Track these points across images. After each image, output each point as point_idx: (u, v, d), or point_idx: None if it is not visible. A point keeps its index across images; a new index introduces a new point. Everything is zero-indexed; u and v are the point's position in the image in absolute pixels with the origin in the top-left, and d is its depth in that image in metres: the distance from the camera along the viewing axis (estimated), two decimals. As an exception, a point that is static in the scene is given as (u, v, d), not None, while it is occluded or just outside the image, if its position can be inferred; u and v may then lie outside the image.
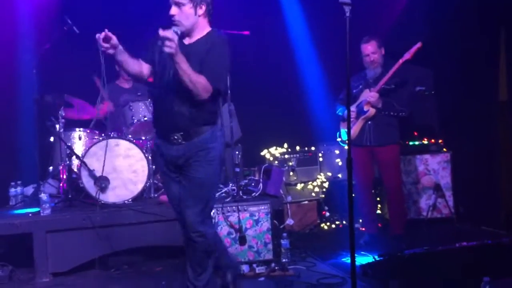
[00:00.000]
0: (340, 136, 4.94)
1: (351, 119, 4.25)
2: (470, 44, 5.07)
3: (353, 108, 4.60)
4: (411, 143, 5.46)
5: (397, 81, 4.51)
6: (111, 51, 2.76)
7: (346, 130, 4.76)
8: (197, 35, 2.93)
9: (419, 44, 4.38)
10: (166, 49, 2.60)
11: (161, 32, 2.60)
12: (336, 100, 4.99)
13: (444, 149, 5.34)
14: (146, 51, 2.99)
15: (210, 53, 2.84)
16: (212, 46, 2.86)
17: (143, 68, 2.99)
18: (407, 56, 4.42)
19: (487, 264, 3.52)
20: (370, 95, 4.50)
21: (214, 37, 2.92)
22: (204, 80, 2.77)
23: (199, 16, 2.88)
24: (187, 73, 2.71)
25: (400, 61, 4.43)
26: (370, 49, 4.58)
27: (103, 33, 2.71)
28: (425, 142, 5.44)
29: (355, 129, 4.62)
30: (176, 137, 2.91)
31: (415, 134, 5.52)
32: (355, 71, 4.72)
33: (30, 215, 4.17)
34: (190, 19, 2.86)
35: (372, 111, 4.56)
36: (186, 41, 2.92)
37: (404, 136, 5.30)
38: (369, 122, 4.61)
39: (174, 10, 2.83)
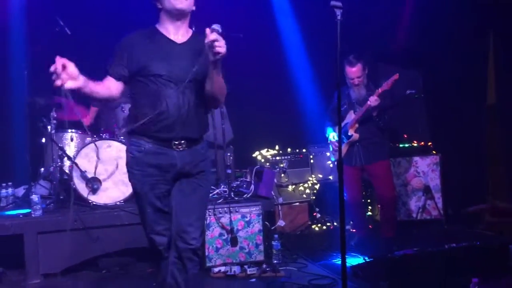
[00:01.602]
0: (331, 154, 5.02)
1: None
2: (459, 48, 5.13)
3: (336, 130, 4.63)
4: (401, 145, 5.52)
5: (381, 106, 4.47)
6: (72, 84, 2.34)
7: (334, 151, 4.88)
8: (185, 34, 2.71)
9: (396, 76, 4.37)
10: (220, 50, 2.38)
11: (210, 34, 2.38)
12: (325, 115, 4.99)
13: (434, 152, 5.40)
14: (119, 65, 2.64)
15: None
16: None
17: (112, 90, 2.65)
18: (385, 87, 4.40)
19: (476, 265, 3.56)
20: (371, 100, 4.42)
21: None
22: (225, 85, 2.64)
23: (193, 7, 2.68)
24: (221, 78, 2.55)
25: (379, 90, 4.40)
26: (356, 73, 4.56)
27: (57, 63, 2.29)
28: (415, 144, 5.50)
29: (343, 151, 4.61)
30: (181, 143, 2.64)
31: (405, 136, 5.58)
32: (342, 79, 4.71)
33: (21, 216, 4.15)
34: (190, 4, 2.65)
35: (355, 136, 4.61)
36: (177, 39, 2.68)
37: (394, 138, 5.37)
38: (357, 144, 4.64)
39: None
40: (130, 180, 2.70)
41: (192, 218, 2.70)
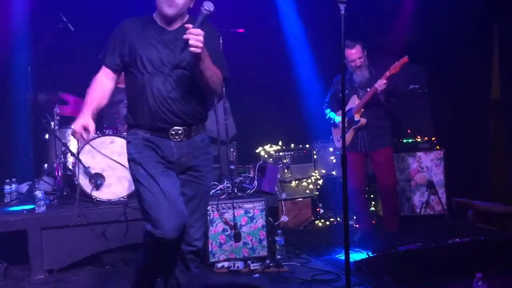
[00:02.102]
0: (333, 142, 5.00)
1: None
2: (464, 42, 5.12)
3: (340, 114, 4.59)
4: (404, 140, 5.50)
5: (388, 90, 4.42)
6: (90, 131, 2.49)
7: (338, 137, 4.80)
8: (179, 21, 2.64)
9: (405, 59, 4.27)
10: (194, 50, 2.32)
11: (190, 29, 2.32)
12: (323, 103, 4.99)
13: (437, 147, 5.38)
14: (114, 55, 2.64)
15: (212, 43, 2.58)
16: (209, 35, 2.48)
17: (106, 90, 2.67)
18: (393, 70, 4.31)
19: (479, 260, 3.56)
20: (379, 84, 4.32)
21: (204, 24, 2.48)
22: (220, 73, 2.57)
23: (185, 8, 2.62)
24: (211, 68, 2.49)
25: (387, 73, 4.32)
26: (356, 55, 4.48)
27: (81, 130, 2.45)
28: (418, 139, 5.48)
29: (348, 138, 4.58)
30: (178, 133, 2.60)
31: (409, 132, 5.56)
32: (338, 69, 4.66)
33: (25, 212, 4.16)
34: (183, 7, 2.59)
35: (363, 121, 4.54)
36: (168, 27, 2.62)
37: (397, 134, 5.35)
38: (362, 129, 4.60)
39: None
40: (130, 167, 2.64)
41: (193, 219, 2.66)
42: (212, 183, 2.89)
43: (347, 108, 4.54)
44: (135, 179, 2.61)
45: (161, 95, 2.55)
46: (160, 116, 2.56)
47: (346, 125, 4.39)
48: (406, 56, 4.27)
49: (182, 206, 2.56)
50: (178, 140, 2.60)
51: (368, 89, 4.53)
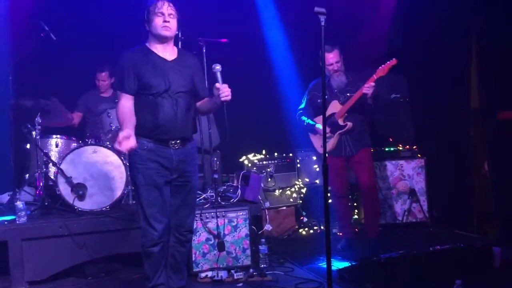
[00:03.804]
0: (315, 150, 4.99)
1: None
2: (444, 52, 5.19)
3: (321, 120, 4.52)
4: (386, 149, 5.56)
5: (374, 92, 4.37)
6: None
7: (319, 144, 4.72)
8: (172, 51, 3.24)
9: (394, 61, 4.25)
10: (227, 98, 3.06)
11: (220, 86, 3.06)
12: (297, 111, 4.93)
13: (419, 155, 5.45)
14: (130, 82, 3.13)
15: (198, 69, 3.36)
16: (196, 63, 3.34)
17: (132, 108, 3.17)
18: (381, 73, 4.30)
19: (460, 267, 3.61)
20: (366, 87, 4.28)
21: (189, 54, 3.38)
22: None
23: (176, 32, 3.24)
24: (217, 106, 3.22)
25: (374, 76, 4.30)
26: (334, 59, 4.50)
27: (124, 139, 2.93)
28: (400, 148, 5.54)
29: (332, 143, 4.58)
30: (177, 142, 3.17)
31: (390, 140, 5.63)
32: (317, 76, 4.62)
33: (5, 223, 4.10)
34: (174, 32, 3.20)
35: (350, 125, 4.52)
36: (167, 57, 3.20)
37: (379, 142, 5.41)
38: (345, 134, 4.58)
39: (169, 19, 3.14)
40: (132, 174, 3.20)
41: (188, 211, 3.33)
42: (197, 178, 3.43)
43: (327, 113, 4.46)
44: (134, 183, 3.21)
45: (169, 115, 3.12)
46: (166, 130, 3.13)
47: (328, 130, 4.45)
48: (395, 59, 4.24)
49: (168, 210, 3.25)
50: (176, 148, 3.18)
51: (348, 94, 4.53)
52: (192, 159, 3.30)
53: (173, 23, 3.16)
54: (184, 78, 3.18)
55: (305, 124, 4.82)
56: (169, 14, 3.13)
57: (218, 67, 3.13)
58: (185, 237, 3.35)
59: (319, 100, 4.58)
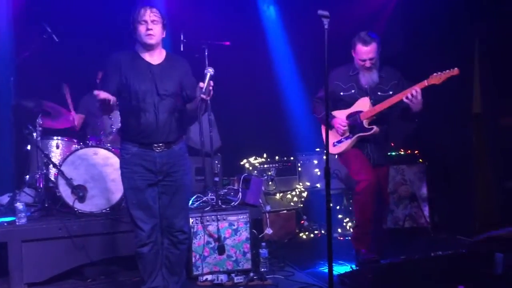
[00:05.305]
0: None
1: (344, 129, 3.99)
2: (446, 56, 5.18)
3: (342, 115, 4.11)
4: (388, 153, 5.53)
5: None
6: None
7: (334, 141, 4.18)
8: (159, 55, 3.27)
9: (456, 71, 3.62)
10: (206, 97, 3.01)
11: (203, 85, 2.99)
12: (313, 99, 4.36)
13: (420, 160, 5.43)
14: (111, 82, 3.18)
15: (188, 73, 3.34)
16: (185, 65, 3.35)
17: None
18: (434, 80, 3.69)
19: (462, 273, 3.59)
20: (414, 90, 3.62)
21: (178, 58, 3.40)
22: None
23: (162, 37, 3.26)
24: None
25: (425, 82, 3.73)
26: (369, 54, 3.88)
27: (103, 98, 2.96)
28: (402, 152, 5.53)
29: (348, 145, 4.07)
30: (160, 146, 3.21)
31: (392, 144, 5.60)
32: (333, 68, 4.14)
33: (5, 224, 4.10)
34: (159, 38, 3.21)
35: (376, 129, 3.94)
36: (153, 62, 3.24)
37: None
38: (369, 141, 4.02)
39: (152, 26, 3.15)
40: (121, 177, 3.28)
41: (176, 210, 3.32)
42: (190, 179, 3.51)
43: (351, 110, 4.07)
44: (124, 187, 3.30)
45: (150, 119, 3.16)
46: (148, 134, 3.18)
47: (347, 128, 4.03)
48: (457, 68, 3.64)
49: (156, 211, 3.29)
50: (160, 151, 3.22)
51: (379, 93, 4.01)
52: (179, 160, 3.30)
53: (156, 30, 3.17)
54: (169, 82, 3.21)
55: (320, 116, 4.20)
56: (152, 21, 3.15)
57: (210, 69, 3.10)
58: (176, 238, 3.34)
59: (342, 93, 4.06)
